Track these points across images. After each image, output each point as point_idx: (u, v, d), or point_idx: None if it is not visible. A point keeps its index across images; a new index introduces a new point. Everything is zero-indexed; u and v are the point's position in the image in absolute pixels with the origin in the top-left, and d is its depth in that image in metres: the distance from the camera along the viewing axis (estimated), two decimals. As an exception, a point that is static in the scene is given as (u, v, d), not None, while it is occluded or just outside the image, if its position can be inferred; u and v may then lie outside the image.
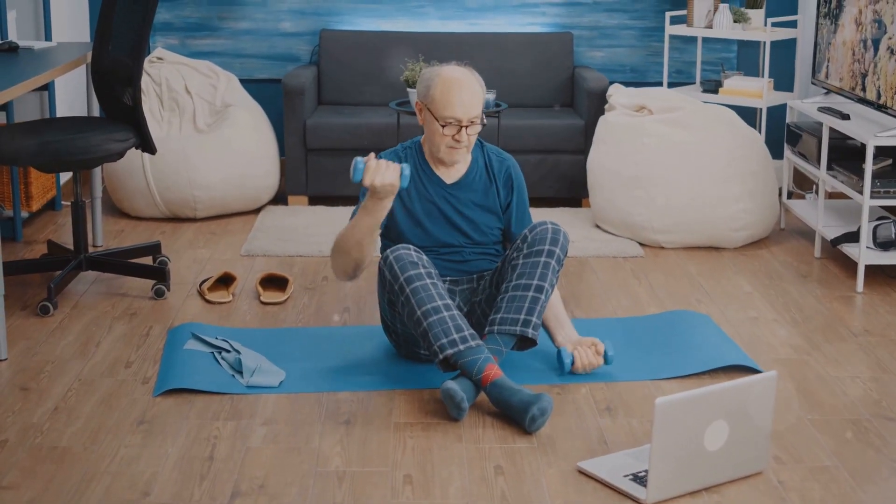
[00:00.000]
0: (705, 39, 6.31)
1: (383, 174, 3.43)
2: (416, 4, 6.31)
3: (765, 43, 6.04)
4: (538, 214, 5.51)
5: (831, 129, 4.89)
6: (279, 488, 2.95)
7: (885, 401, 3.54)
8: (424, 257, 3.53)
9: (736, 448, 2.95)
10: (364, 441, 3.22)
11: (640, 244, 5.17)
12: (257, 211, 5.70)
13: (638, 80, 6.39)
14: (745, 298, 4.48)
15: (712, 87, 5.97)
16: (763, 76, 5.90)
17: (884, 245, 4.59)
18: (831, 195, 5.82)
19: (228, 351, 3.78)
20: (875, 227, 4.61)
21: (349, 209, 5.64)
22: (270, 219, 5.49)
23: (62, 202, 5.72)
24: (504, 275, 3.61)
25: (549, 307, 3.72)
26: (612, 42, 6.35)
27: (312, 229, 5.31)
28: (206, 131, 5.55)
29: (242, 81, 6.36)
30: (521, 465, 3.09)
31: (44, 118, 4.70)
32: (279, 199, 5.91)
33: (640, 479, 2.94)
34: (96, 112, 5.31)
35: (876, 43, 4.67)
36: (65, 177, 6.00)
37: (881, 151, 4.77)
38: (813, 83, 5.39)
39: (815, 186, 5.65)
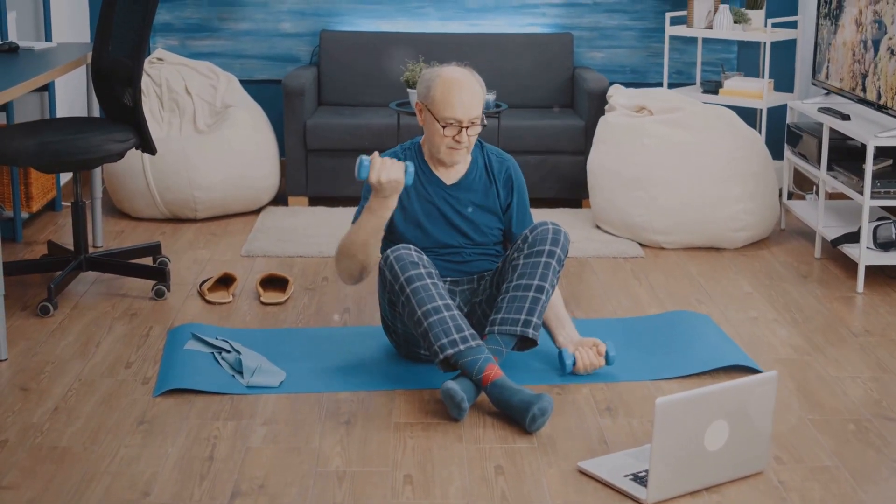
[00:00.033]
0: (705, 40, 6.31)
1: (389, 170, 3.46)
2: (417, 5, 6.31)
3: (765, 43, 6.04)
4: (538, 215, 5.51)
5: (831, 130, 4.89)
6: (279, 488, 2.95)
7: (885, 401, 3.54)
8: (425, 257, 3.53)
9: (736, 448, 2.95)
10: (364, 441, 3.22)
11: (641, 245, 5.17)
12: (257, 211, 5.70)
13: (638, 80, 6.39)
14: (745, 299, 4.48)
15: (712, 87, 5.97)
16: (763, 77, 5.90)
17: (884, 245, 4.59)
18: (831, 196, 5.82)
19: (229, 351, 3.78)
20: (875, 228, 4.61)
21: (349, 210, 5.64)
22: (270, 219, 5.49)
23: (62, 203, 5.72)
24: (504, 275, 3.61)
25: (550, 307, 3.72)
26: (612, 43, 6.35)
27: (312, 230, 5.31)
28: (206, 132, 5.55)
29: (242, 82, 6.36)
30: (521, 465, 3.09)
31: (44, 119, 4.71)
32: (279, 199, 5.91)
33: (640, 479, 2.94)
34: (96, 112, 5.32)
35: (876, 43, 4.67)
36: (65, 177, 6.00)
37: (881, 152, 4.77)
38: (813, 84, 5.39)
39: (815, 187, 5.65)
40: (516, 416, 3.28)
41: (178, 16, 6.30)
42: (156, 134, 5.46)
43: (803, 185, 6.05)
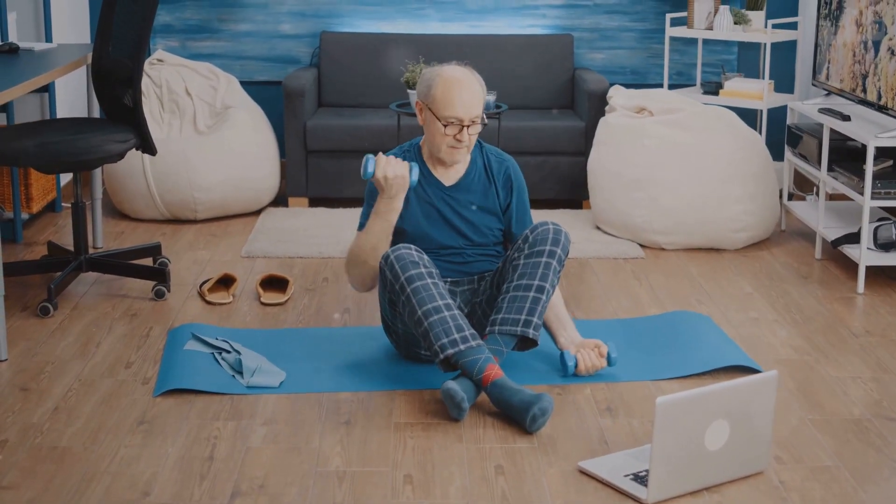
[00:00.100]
0: (706, 41, 6.31)
1: (395, 167, 3.50)
2: (417, 6, 6.31)
3: (765, 44, 6.04)
4: (539, 216, 5.50)
5: (832, 131, 4.89)
6: (279, 488, 2.94)
7: (885, 401, 3.53)
8: (425, 257, 3.53)
9: (737, 448, 2.95)
10: (364, 441, 3.22)
11: (641, 245, 5.17)
12: (258, 212, 5.69)
13: (638, 81, 6.38)
14: (745, 299, 4.48)
15: (713, 88, 5.96)
16: (763, 78, 5.90)
17: (884, 246, 4.59)
18: (832, 196, 5.82)
19: (229, 351, 3.78)
20: (876, 229, 4.61)
21: (349, 210, 5.64)
22: (271, 220, 5.49)
23: (62, 204, 5.71)
24: (505, 275, 3.61)
25: (551, 308, 3.72)
26: (612, 44, 6.35)
27: (313, 231, 5.31)
28: (206, 133, 5.55)
29: (243, 83, 6.36)
30: (521, 465, 3.09)
31: (44, 119, 4.70)
32: (279, 200, 5.91)
33: (640, 479, 2.94)
34: (96, 113, 5.31)
35: (876, 44, 4.67)
36: (65, 178, 6.00)
37: (882, 152, 4.77)
38: (813, 84, 5.38)
39: (815, 188, 5.65)
40: (516, 417, 3.27)
41: (178, 17, 6.31)
42: (156, 135, 5.46)
43: (804, 185, 6.05)
